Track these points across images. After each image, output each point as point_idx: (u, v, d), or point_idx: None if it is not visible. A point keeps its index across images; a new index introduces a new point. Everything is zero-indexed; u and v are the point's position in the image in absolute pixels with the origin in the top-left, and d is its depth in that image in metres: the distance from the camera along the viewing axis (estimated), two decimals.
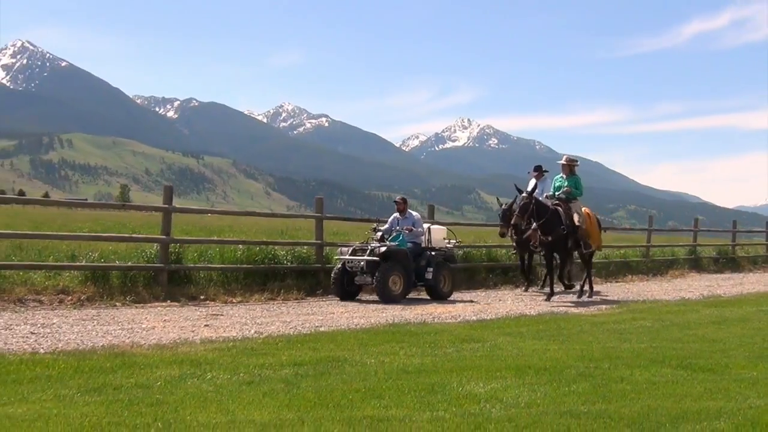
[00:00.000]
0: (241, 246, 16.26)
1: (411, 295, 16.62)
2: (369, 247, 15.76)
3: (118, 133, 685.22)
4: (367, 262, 15.41)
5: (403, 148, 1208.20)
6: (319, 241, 17.19)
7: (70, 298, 13.27)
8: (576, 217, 16.87)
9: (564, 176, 17.68)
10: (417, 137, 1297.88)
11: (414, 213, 17.15)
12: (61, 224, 27.67)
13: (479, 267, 20.67)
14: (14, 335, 9.45)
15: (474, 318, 13.20)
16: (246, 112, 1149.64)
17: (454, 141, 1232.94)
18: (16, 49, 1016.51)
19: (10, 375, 6.84)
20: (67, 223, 30.88)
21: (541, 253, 17.84)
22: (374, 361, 8.25)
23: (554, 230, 16.42)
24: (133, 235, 16.14)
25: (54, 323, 10.73)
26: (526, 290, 18.97)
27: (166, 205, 15.00)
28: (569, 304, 16.01)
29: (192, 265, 15.33)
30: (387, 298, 15.26)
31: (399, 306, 14.66)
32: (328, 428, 5.34)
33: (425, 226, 17.08)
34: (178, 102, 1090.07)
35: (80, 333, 9.88)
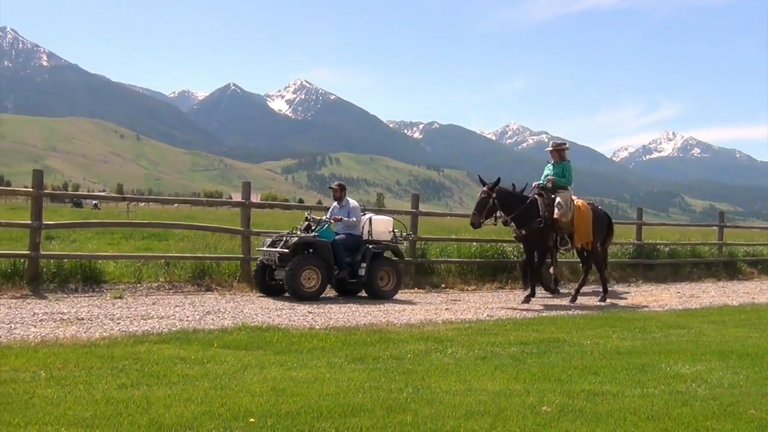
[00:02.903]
0: (475, 243, 16.21)
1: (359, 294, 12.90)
2: (285, 238, 12.19)
3: (375, 151, 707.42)
4: (281, 254, 11.84)
5: (614, 159, 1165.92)
6: None
7: None
8: (556, 210, 12.73)
9: (553, 163, 13.44)
10: (626, 149, 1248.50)
11: (351, 201, 13.11)
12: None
13: (684, 262, 19.61)
14: (296, 314, 9.92)
15: (680, 307, 12.56)
16: (478, 132, 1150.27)
17: (660, 152, 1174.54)
18: (296, 87, 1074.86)
19: (293, 345, 7.18)
20: None
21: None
22: (590, 343, 8.04)
23: (529, 223, 12.64)
24: None
25: (326, 304, 11.17)
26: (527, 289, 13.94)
27: (414, 210, 15.29)
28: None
29: (434, 259, 15.48)
30: (298, 295, 11.49)
31: (599, 296, 14.09)
32: (550, 399, 5.24)
33: (368, 216, 13.15)
34: (423, 124, 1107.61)
35: (347, 313, 10.25)
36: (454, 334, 8.39)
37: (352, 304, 11.32)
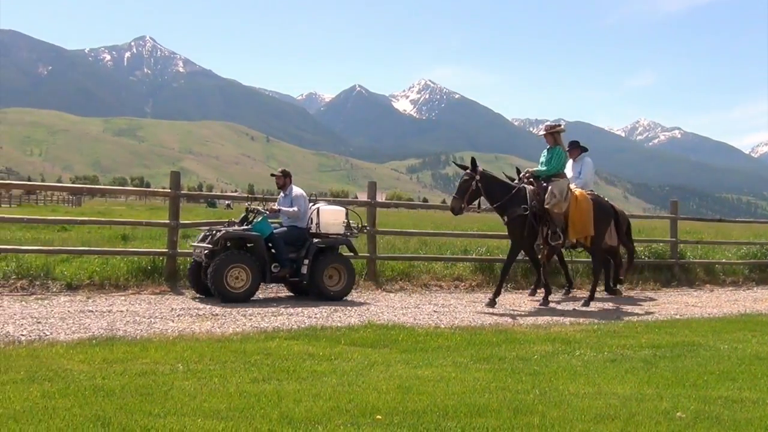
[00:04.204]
0: None
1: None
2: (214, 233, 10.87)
3: (499, 149, 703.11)
4: (209, 251, 10.52)
5: (752, 155, 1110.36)
6: (673, 239, 16.27)
7: (463, 284, 13.69)
8: (548, 199, 11.22)
9: (547, 149, 11.91)
10: (766, 144, 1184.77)
11: (295, 188, 11.61)
12: (456, 224, 28.81)
13: None
14: (421, 313, 9.96)
15: None
16: (606, 129, 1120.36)
17: None
18: (420, 86, 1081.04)
19: (419, 344, 7.22)
20: (461, 224, 32.08)
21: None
22: (727, 347, 7.67)
23: (512, 209, 11.20)
24: None
25: (451, 304, 11.17)
26: (531, 293, 12.92)
27: None
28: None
29: (567, 259, 15.18)
30: (224, 296, 10.20)
31: (741, 297, 13.41)
32: (684, 404, 5.04)
33: (319, 206, 11.63)
34: (549, 122, 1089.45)
35: (471, 312, 10.20)
36: (582, 335, 8.21)
37: (476, 305, 11.25)
